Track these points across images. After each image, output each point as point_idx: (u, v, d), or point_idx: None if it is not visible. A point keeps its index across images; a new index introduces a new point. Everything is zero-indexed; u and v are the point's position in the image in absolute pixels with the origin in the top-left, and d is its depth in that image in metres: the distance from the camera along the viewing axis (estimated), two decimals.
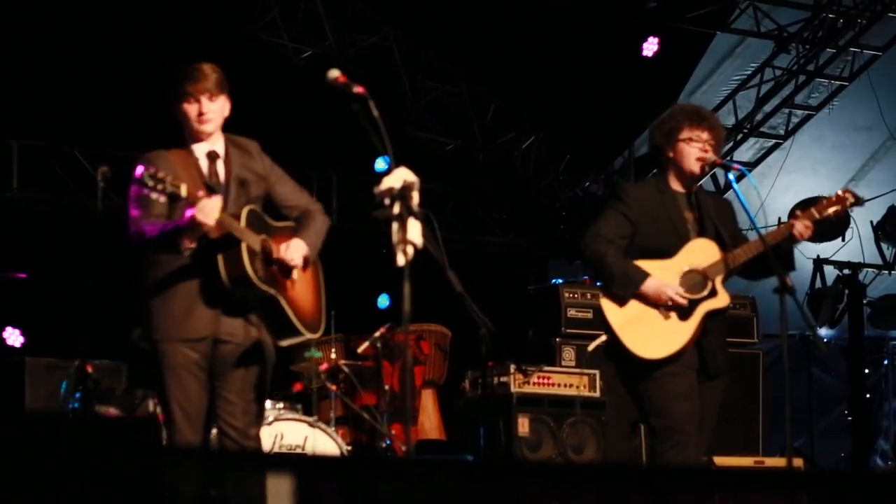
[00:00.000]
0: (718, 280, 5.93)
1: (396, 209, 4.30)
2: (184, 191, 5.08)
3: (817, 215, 6.02)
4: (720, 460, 9.00)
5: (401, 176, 4.34)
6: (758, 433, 9.99)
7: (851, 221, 11.37)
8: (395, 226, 4.29)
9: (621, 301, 5.95)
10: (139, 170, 5.06)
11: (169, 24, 10.08)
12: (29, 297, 9.65)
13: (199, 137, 5.43)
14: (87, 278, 7.16)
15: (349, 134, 5.75)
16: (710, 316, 5.93)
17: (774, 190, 11.84)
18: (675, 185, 6.06)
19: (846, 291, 11.14)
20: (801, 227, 5.92)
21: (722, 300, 5.94)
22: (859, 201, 6.14)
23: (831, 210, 6.06)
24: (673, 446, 5.86)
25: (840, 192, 6.13)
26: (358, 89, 4.62)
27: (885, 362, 12.17)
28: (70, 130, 10.50)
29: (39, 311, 9.95)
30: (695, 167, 5.98)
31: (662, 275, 5.91)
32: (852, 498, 3.83)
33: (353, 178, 11.34)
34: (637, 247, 5.97)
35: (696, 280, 5.91)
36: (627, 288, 5.90)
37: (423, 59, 11.21)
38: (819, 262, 11.30)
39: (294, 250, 5.45)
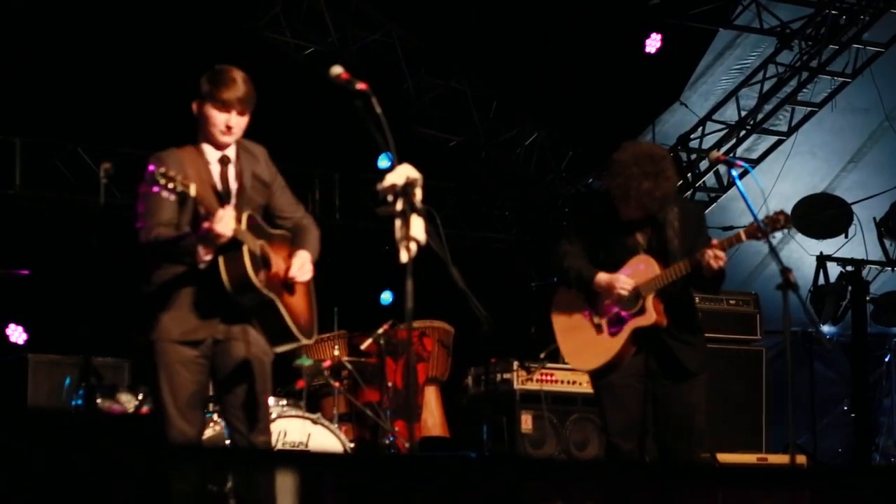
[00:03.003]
0: (650, 298, 6.04)
1: (399, 206, 4.30)
2: (192, 190, 5.09)
3: (732, 243, 6.01)
4: (723, 457, 9.01)
5: (403, 172, 4.34)
6: (760, 430, 9.98)
7: (854, 218, 11.37)
8: (398, 222, 4.29)
9: (568, 309, 6.22)
10: (151, 167, 5.07)
11: (171, 22, 10.09)
12: (32, 293, 9.66)
13: (216, 144, 5.43)
14: (89, 275, 7.15)
15: (352, 131, 5.75)
16: (640, 332, 6.06)
17: (773, 175, 11.85)
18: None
19: (849, 288, 11.12)
20: (710, 255, 5.91)
21: (648, 318, 6.04)
22: (788, 223, 6.08)
23: (746, 238, 6.01)
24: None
25: (773, 214, 6.05)
26: (361, 86, 4.61)
27: (888, 359, 12.14)
28: (72, 127, 10.51)
29: (42, 308, 9.96)
30: (620, 216, 6.09)
31: None
32: (855, 494, 3.84)
33: (356, 175, 11.34)
34: (591, 256, 6.15)
35: (630, 296, 6.05)
36: (583, 285, 6.12)
37: (425, 56, 11.20)
38: (822, 259, 11.29)
39: (305, 266, 5.49)
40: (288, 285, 5.48)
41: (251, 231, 5.33)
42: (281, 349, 5.57)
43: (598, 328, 6.13)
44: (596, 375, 6.16)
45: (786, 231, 6.18)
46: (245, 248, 5.25)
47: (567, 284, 6.22)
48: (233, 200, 5.39)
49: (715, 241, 6.01)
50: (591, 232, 6.18)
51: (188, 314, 5.34)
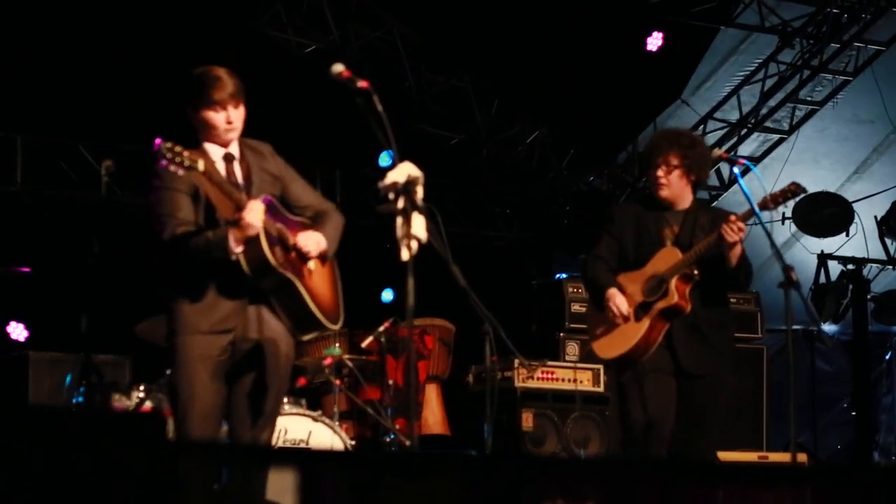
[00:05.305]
0: (674, 280, 6.14)
1: (400, 203, 4.30)
2: (201, 165, 5.06)
3: (746, 218, 6.07)
4: (724, 455, 9.00)
5: (405, 170, 4.34)
6: (761, 428, 9.98)
7: (855, 217, 11.36)
8: (399, 220, 4.29)
9: (599, 308, 6.34)
10: (157, 142, 5.04)
11: (172, 18, 10.08)
12: (33, 291, 9.65)
13: (220, 142, 5.41)
14: (90, 272, 7.15)
15: (353, 128, 5.75)
16: (665, 315, 6.15)
17: (778, 182, 11.82)
18: (660, 201, 6.29)
19: (850, 286, 11.12)
20: (727, 227, 5.98)
21: (670, 299, 6.13)
22: (800, 191, 6.16)
23: (760, 209, 6.07)
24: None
25: (786, 186, 6.14)
26: (362, 83, 4.61)
27: (888, 357, 12.15)
28: (74, 125, 10.50)
29: (43, 306, 9.95)
30: (659, 192, 6.22)
31: (630, 284, 6.26)
32: (855, 493, 3.83)
33: (357, 173, 11.33)
34: (622, 260, 6.32)
35: (654, 284, 6.18)
36: (599, 297, 6.29)
37: (427, 53, 11.19)
38: (823, 258, 11.28)
39: (311, 240, 5.44)
40: (304, 260, 5.41)
41: (270, 214, 5.29)
42: (307, 336, 5.53)
43: (625, 318, 6.21)
44: (619, 367, 6.26)
45: (793, 202, 6.27)
46: (261, 231, 5.21)
47: (589, 294, 6.46)
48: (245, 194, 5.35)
49: (732, 216, 6.04)
50: (621, 231, 6.31)
51: (214, 305, 5.29)
